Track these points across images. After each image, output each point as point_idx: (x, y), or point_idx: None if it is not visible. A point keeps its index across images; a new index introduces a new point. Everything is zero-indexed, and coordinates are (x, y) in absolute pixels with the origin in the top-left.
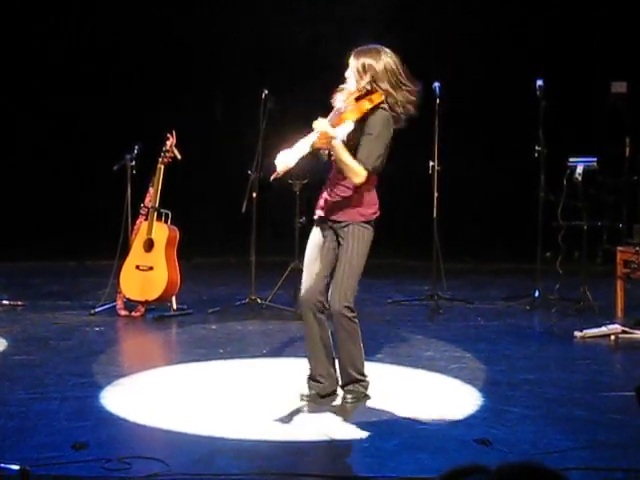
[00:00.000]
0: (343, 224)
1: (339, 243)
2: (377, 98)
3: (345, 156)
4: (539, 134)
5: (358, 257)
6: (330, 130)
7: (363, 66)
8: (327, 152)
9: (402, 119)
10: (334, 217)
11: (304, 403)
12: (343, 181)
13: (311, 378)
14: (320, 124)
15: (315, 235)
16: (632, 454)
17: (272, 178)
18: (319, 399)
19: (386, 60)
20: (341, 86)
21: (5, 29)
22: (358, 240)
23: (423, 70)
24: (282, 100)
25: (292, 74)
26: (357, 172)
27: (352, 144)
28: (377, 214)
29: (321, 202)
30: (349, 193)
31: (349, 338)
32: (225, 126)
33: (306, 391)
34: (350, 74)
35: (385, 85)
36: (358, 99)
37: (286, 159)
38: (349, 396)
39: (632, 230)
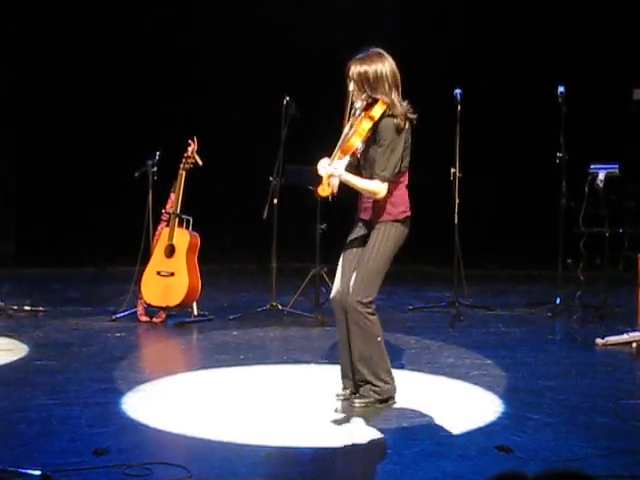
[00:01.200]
0: (373, 223)
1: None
2: (378, 111)
3: (357, 184)
4: (560, 140)
5: (380, 254)
6: (330, 170)
7: (359, 75)
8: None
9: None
10: (365, 217)
11: (325, 409)
12: None
13: (343, 375)
14: (321, 169)
15: (350, 236)
16: None
17: (330, 199)
18: (352, 397)
19: (382, 67)
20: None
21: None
22: (383, 238)
23: (445, 76)
24: (304, 107)
25: (313, 80)
26: (375, 190)
27: (367, 156)
28: (407, 213)
29: (358, 203)
30: None
31: (361, 334)
32: (247, 132)
33: (340, 390)
34: (352, 85)
35: (383, 95)
36: (361, 114)
37: (320, 164)
38: (357, 400)
39: None
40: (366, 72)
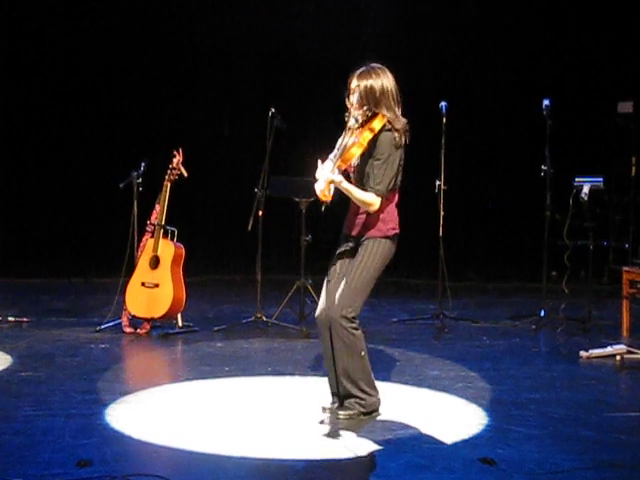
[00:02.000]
0: (361, 239)
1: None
2: (378, 124)
3: (355, 193)
4: (545, 153)
5: (367, 269)
6: (331, 176)
7: (365, 89)
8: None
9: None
10: (354, 233)
11: (309, 421)
12: None
13: (331, 391)
14: (321, 175)
15: (337, 253)
16: (638, 474)
17: (323, 209)
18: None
19: (387, 83)
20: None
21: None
22: (371, 253)
23: (430, 89)
24: (289, 118)
25: (300, 91)
26: (369, 202)
27: (362, 169)
28: (396, 230)
29: (346, 219)
30: (366, 210)
31: (345, 349)
32: (231, 143)
33: (328, 404)
34: (354, 97)
35: (385, 109)
36: (361, 126)
37: (318, 188)
38: (341, 412)
39: (638, 250)
40: (372, 86)
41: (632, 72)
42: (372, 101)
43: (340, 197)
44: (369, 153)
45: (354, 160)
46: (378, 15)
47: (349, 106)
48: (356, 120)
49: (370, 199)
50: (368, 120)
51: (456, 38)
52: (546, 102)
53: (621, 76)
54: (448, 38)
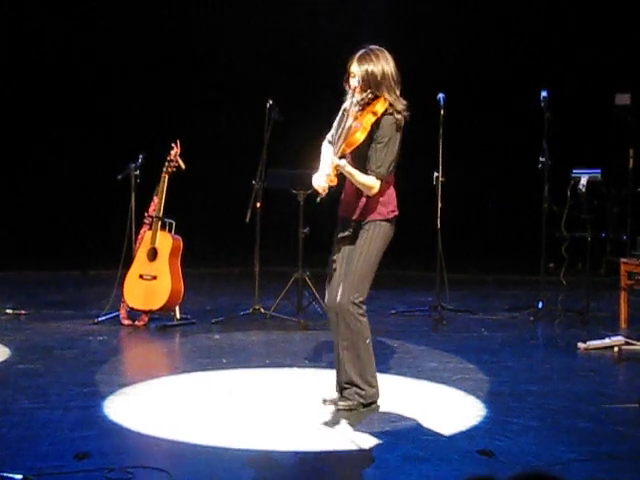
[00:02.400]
0: (362, 223)
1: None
2: (381, 107)
3: (357, 176)
4: (543, 145)
5: (370, 253)
6: (337, 160)
7: (366, 73)
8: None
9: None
10: (354, 217)
11: (307, 413)
12: None
13: (337, 381)
14: (328, 159)
15: (337, 239)
16: (636, 466)
17: (318, 201)
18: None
19: (387, 66)
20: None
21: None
22: (372, 237)
23: (428, 81)
24: (287, 110)
25: (298, 83)
26: (370, 185)
27: (363, 152)
28: (395, 212)
29: (342, 203)
30: (366, 193)
31: (351, 336)
32: (229, 136)
33: (328, 396)
34: (354, 81)
35: (386, 92)
36: (362, 109)
37: (320, 181)
38: (341, 403)
39: (636, 242)
40: (373, 70)
41: (629, 64)
42: (373, 84)
43: (335, 189)
44: (370, 136)
45: (361, 141)
46: (377, 8)
47: (347, 89)
48: (357, 103)
49: (371, 182)
50: (369, 103)
51: (454, 30)
52: (544, 94)
53: (619, 68)
54: (446, 29)
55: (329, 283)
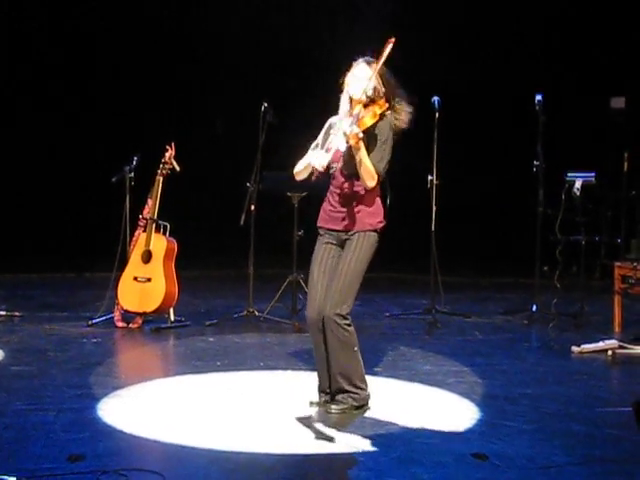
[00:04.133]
0: (350, 233)
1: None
2: (384, 105)
3: (366, 158)
4: (538, 149)
5: (357, 264)
6: (357, 130)
7: (379, 76)
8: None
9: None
10: (341, 227)
11: (301, 415)
12: (349, 191)
13: (320, 390)
14: (349, 126)
15: (320, 250)
16: (629, 469)
17: (314, 177)
18: (329, 403)
19: (387, 73)
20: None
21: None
22: (360, 248)
23: (422, 84)
24: (281, 113)
25: (293, 86)
26: (372, 174)
27: (351, 161)
28: (383, 223)
29: (325, 214)
30: (355, 203)
31: (339, 346)
32: (224, 138)
33: (315, 399)
34: (358, 82)
35: (384, 97)
36: (365, 106)
37: (321, 159)
38: (334, 407)
39: (630, 245)
40: (383, 74)
41: (624, 67)
42: (383, 87)
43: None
44: (368, 134)
45: (369, 127)
46: (373, 11)
47: (347, 93)
48: (366, 95)
49: (374, 172)
50: (372, 102)
51: (449, 33)
52: (538, 97)
53: (614, 71)
54: (441, 33)
55: (311, 296)
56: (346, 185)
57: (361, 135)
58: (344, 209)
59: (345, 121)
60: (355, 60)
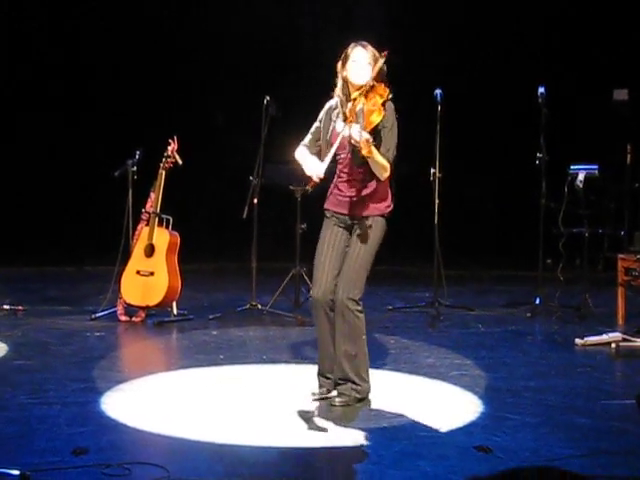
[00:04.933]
0: (358, 218)
1: (351, 237)
2: (385, 91)
3: (378, 157)
4: (540, 141)
5: (367, 249)
6: (367, 135)
7: (373, 57)
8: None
9: None
10: (349, 212)
11: (304, 409)
12: (358, 177)
13: (320, 374)
14: (358, 133)
15: (327, 232)
16: (633, 462)
17: (309, 187)
18: (330, 395)
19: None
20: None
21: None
22: (370, 233)
23: (425, 77)
24: (283, 106)
25: (293, 79)
26: (386, 167)
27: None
28: (391, 207)
29: (334, 197)
30: (366, 188)
31: (349, 332)
32: (226, 132)
33: (316, 389)
34: (362, 66)
35: (384, 80)
36: (366, 94)
37: (318, 169)
38: (337, 399)
39: (633, 237)
40: (377, 56)
41: (627, 59)
42: (380, 72)
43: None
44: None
45: (377, 124)
46: (375, 5)
47: (344, 75)
48: (367, 88)
49: (387, 164)
50: (371, 89)
51: (452, 25)
52: (541, 90)
53: (616, 63)
54: (444, 25)
55: (317, 276)
56: (354, 171)
57: (371, 140)
58: (352, 194)
59: (353, 127)
60: (349, 45)
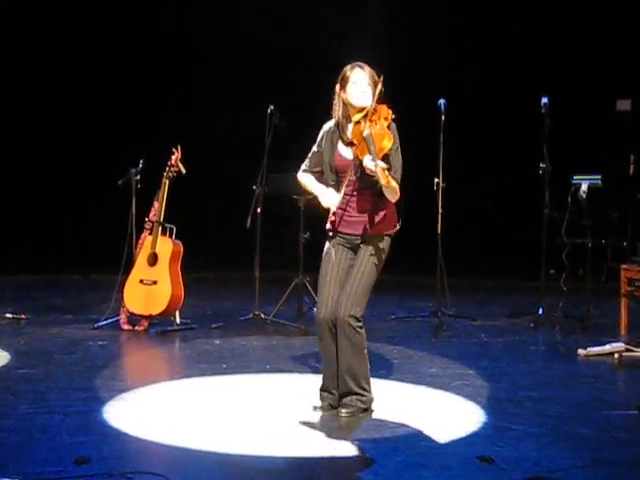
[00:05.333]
0: (364, 237)
1: (357, 256)
2: (388, 113)
3: (393, 182)
4: (544, 151)
5: (371, 268)
6: (382, 164)
7: (373, 79)
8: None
9: None
10: (355, 232)
11: (307, 419)
12: (365, 198)
13: (324, 389)
14: (372, 163)
15: (331, 252)
16: (636, 472)
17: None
18: (331, 410)
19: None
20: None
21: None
22: (375, 252)
23: (429, 87)
24: (288, 115)
25: (299, 88)
26: (397, 190)
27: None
28: (397, 227)
29: (339, 218)
30: (374, 209)
31: (351, 348)
32: (230, 141)
33: (318, 403)
34: (363, 89)
35: (383, 100)
36: (370, 117)
37: (335, 200)
38: (344, 410)
39: (636, 248)
40: (375, 77)
41: (630, 70)
42: (380, 94)
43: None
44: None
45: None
46: (379, 13)
47: (345, 97)
48: (370, 110)
49: (397, 187)
50: (374, 111)
51: (455, 36)
52: (544, 100)
53: (620, 74)
54: (447, 36)
55: (323, 297)
56: (362, 192)
57: (386, 167)
58: (359, 215)
59: (366, 159)
60: (345, 68)
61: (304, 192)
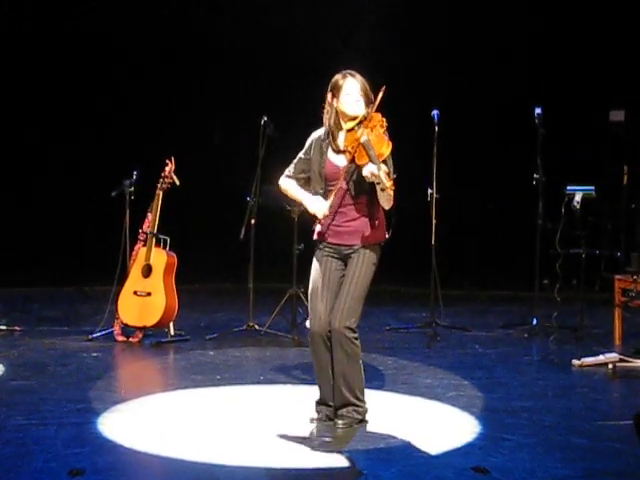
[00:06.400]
0: (355, 247)
1: (346, 266)
2: (382, 120)
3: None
4: (537, 162)
5: (364, 279)
6: (385, 168)
7: (364, 86)
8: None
9: None
10: (344, 242)
11: (302, 430)
12: (354, 207)
13: (321, 403)
14: (376, 167)
15: (321, 263)
16: None
17: (320, 222)
18: (329, 422)
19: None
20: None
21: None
22: (367, 262)
23: (422, 97)
24: (282, 126)
25: (293, 99)
26: (392, 197)
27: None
28: (386, 237)
29: (327, 228)
30: (363, 218)
31: (347, 359)
32: (224, 152)
33: (314, 414)
34: (356, 98)
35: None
36: (366, 124)
37: (323, 208)
38: (340, 422)
39: (630, 258)
40: (366, 85)
41: (624, 80)
42: (368, 99)
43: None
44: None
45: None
46: (372, 22)
47: (336, 106)
48: (365, 116)
49: (392, 194)
50: (368, 118)
51: (448, 46)
52: (538, 110)
53: (613, 84)
54: (440, 46)
55: (315, 309)
56: (351, 202)
57: (388, 170)
58: (348, 225)
59: (368, 167)
60: (336, 76)
61: (296, 203)
